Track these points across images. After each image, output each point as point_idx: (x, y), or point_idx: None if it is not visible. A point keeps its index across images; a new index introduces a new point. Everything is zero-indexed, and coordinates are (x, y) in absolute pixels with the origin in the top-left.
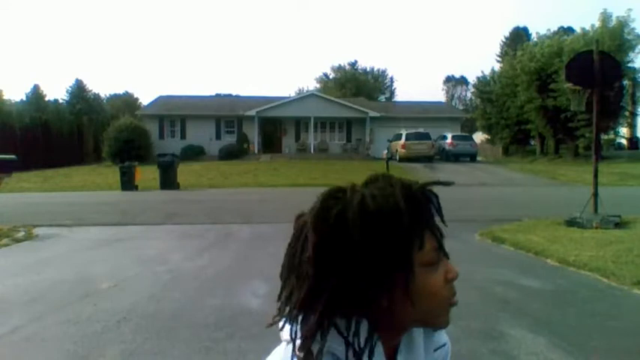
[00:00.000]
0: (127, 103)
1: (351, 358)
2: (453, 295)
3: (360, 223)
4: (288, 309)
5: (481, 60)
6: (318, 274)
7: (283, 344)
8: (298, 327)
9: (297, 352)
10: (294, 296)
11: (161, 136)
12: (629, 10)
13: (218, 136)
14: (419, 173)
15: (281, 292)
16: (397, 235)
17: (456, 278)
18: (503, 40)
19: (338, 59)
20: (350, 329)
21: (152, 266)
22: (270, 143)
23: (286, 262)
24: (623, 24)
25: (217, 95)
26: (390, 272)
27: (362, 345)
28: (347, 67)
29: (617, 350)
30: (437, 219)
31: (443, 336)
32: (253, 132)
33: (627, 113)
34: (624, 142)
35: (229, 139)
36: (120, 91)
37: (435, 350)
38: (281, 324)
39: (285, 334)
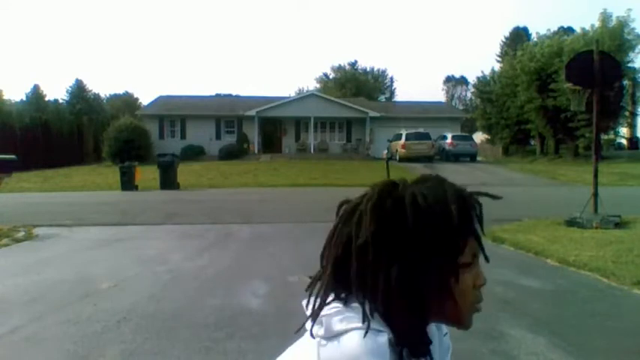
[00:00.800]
0: (127, 103)
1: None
2: (479, 301)
3: (412, 217)
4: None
5: (481, 60)
6: (375, 259)
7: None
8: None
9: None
10: (366, 281)
11: (161, 136)
12: (629, 10)
13: (218, 136)
14: (419, 173)
15: (322, 274)
16: (445, 234)
17: (484, 285)
18: (503, 40)
19: (338, 59)
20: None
21: (152, 266)
22: (270, 143)
23: (336, 243)
24: (623, 24)
25: (217, 95)
26: (434, 269)
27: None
28: (347, 67)
29: (617, 350)
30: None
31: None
32: (253, 132)
33: (627, 113)
34: (624, 142)
35: (229, 139)
36: (120, 91)
37: (444, 335)
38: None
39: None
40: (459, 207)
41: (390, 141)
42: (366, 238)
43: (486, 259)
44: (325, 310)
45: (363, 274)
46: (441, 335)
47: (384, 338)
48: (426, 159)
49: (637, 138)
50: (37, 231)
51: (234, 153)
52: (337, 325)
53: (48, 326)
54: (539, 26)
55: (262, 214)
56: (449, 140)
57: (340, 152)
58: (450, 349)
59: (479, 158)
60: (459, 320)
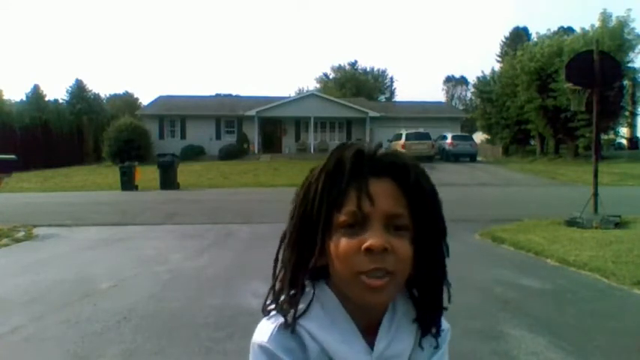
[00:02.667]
0: (127, 103)
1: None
2: (370, 270)
3: (301, 187)
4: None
5: (481, 60)
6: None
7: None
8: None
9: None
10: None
11: (161, 136)
12: (629, 10)
13: (218, 136)
14: None
15: None
16: (315, 193)
17: (374, 249)
18: (503, 40)
19: (338, 59)
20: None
21: (152, 266)
22: (270, 143)
23: None
24: (623, 24)
25: (217, 95)
26: (313, 226)
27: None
28: (347, 67)
29: (617, 350)
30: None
31: (443, 321)
32: (253, 132)
33: (627, 113)
34: (624, 142)
35: (229, 139)
36: (120, 91)
37: (436, 348)
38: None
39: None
40: (331, 169)
41: (390, 141)
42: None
43: (363, 222)
44: None
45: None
46: (426, 351)
47: (275, 323)
48: (426, 159)
49: (637, 138)
50: (37, 231)
51: (234, 153)
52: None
53: (48, 326)
54: (539, 26)
55: (262, 214)
56: (449, 140)
57: None
58: (442, 352)
59: (479, 158)
60: (349, 292)
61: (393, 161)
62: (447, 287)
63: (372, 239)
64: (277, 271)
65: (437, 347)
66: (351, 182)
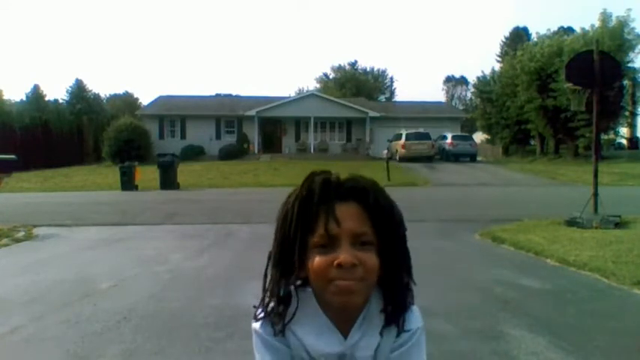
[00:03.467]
0: (127, 103)
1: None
2: (340, 278)
3: (280, 211)
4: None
5: (481, 60)
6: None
7: None
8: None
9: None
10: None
11: (161, 136)
12: (629, 10)
13: (218, 136)
14: (419, 173)
15: None
16: (291, 219)
17: (344, 265)
18: (503, 40)
19: (338, 59)
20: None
21: (152, 266)
22: (270, 143)
23: None
24: (623, 24)
25: (217, 95)
26: (291, 248)
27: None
28: (347, 67)
29: (617, 350)
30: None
31: (415, 321)
32: (253, 132)
33: (627, 113)
34: (624, 142)
35: (229, 139)
36: (120, 91)
37: (400, 334)
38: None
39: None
40: (303, 197)
41: (390, 141)
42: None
43: (333, 242)
44: None
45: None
46: (392, 332)
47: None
48: (426, 159)
49: (637, 138)
50: (37, 231)
51: (234, 153)
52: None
53: (48, 326)
54: (539, 26)
55: (262, 214)
56: (449, 140)
57: (340, 152)
58: (408, 347)
59: (479, 158)
60: (324, 297)
61: (354, 186)
62: (412, 285)
63: (342, 256)
64: (266, 285)
65: (400, 341)
66: (320, 207)
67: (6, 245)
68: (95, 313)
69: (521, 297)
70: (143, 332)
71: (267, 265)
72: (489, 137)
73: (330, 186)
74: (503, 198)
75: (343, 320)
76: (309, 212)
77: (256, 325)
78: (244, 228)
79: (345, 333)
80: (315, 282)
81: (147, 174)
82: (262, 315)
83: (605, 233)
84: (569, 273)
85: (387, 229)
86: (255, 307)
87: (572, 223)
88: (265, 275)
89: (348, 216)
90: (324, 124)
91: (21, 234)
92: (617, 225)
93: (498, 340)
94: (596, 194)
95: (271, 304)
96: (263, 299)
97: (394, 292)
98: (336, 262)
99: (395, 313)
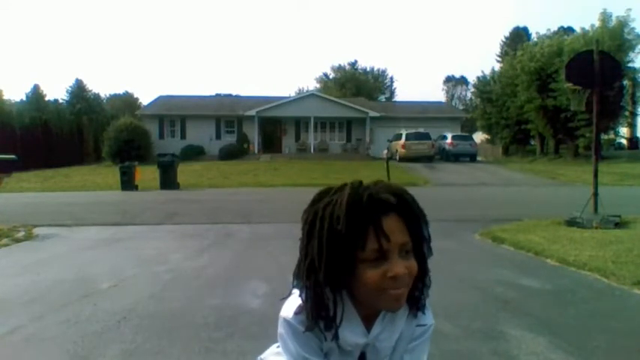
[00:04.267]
0: (127, 103)
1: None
2: (395, 287)
3: (316, 218)
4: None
5: (481, 60)
6: (305, 251)
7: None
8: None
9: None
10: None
11: (161, 136)
12: (629, 10)
13: (218, 136)
14: (419, 173)
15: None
16: (339, 234)
17: (397, 276)
18: (503, 40)
19: (338, 59)
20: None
21: (152, 266)
22: (270, 143)
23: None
24: (623, 24)
25: (217, 95)
26: (339, 263)
27: (329, 309)
28: (347, 67)
29: (617, 350)
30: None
31: (429, 317)
32: (253, 132)
33: (627, 113)
34: (624, 142)
35: (229, 139)
36: (120, 91)
37: (417, 326)
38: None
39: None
40: (350, 210)
41: (390, 141)
42: (302, 229)
43: (383, 255)
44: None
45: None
46: (412, 324)
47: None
48: (426, 159)
49: (637, 138)
50: (37, 231)
51: (234, 153)
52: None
53: (48, 326)
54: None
55: (262, 214)
56: (449, 140)
57: (340, 152)
58: (421, 341)
59: (479, 158)
60: (379, 305)
61: (398, 198)
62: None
63: (395, 269)
64: (307, 284)
65: (415, 334)
66: (368, 224)
67: (6, 245)
68: (95, 313)
69: (521, 297)
70: (143, 332)
71: (304, 268)
72: (489, 137)
73: (373, 200)
74: (503, 198)
75: (368, 316)
76: (357, 229)
77: (288, 315)
78: (244, 228)
79: (367, 327)
80: (367, 292)
81: (147, 174)
82: (299, 313)
83: (605, 233)
84: (569, 273)
85: (421, 235)
86: (283, 299)
87: (572, 223)
88: (297, 275)
89: (395, 229)
90: (324, 124)
91: (21, 234)
92: (617, 225)
93: (498, 340)
94: (596, 194)
95: (314, 310)
96: (306, 303)
97: (422, 290)
98: (390, 275)
99: (418, 309)
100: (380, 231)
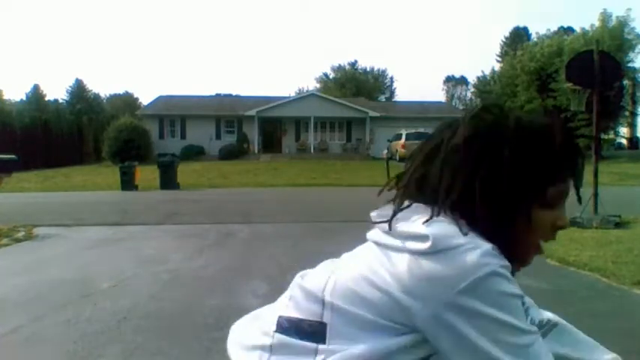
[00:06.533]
0: (127, 103)
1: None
2: (552, 239)
3: (514, 136)
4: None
5: (481, 60)
6: (466, 164)
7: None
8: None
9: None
10: (443, 180)
11: (161, 136)
12: (629, 9)
13: (218, 136)
14: None
15: (411, 174)
16: (540, 161)
17: (565, 228)
18: (503, 40)
19: (338, 59)
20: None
21: (152, 266)
22: (270, 143)
23: (426, 147)
24: (623, 24)
25: (217, 95)
26: (520, 189)
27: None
28: (347, 67)
29: (617, 350)
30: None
31: None
32: (253, 132)
33: (627, 113)
34: (624, 142)
35: (229, 139)
36: (120, 91)
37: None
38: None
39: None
40: (566, 140)
41: (390, 141)
42: (459, 140)
43: (579, 200)
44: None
45: (444, 176)
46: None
47: (485, 248)
48: None
49: (637, 138)
50: (37, 231)
51: (234, 153)
52: (445, 239)
53: (48, 326)
54: (539, 26)
55: (262, 214)
56: None
57: (340, 152)
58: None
59: None
60: (523, 253)
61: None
62: None
63: (566, 219)
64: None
65: None
66: (564, 160)
67: (6, 245)
68: (95, 313)
69: None
70: (143, 332)
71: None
72: None
73: (571, 138)
74: None
75: None
76: (553, 163)
77: (496, 266)
78: (244, 228)
79: None
80: (523, 239)
81: (147, 174)
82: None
83: (605, 233)
84: (569, 273)
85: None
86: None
87: (572, 223)
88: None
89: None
90: (324, 124)
91: (21, 234)
92: (617, 225)
93: None
94: (596, 194)
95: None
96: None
97: None
98: (560, 224)
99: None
100: (579, 174)
